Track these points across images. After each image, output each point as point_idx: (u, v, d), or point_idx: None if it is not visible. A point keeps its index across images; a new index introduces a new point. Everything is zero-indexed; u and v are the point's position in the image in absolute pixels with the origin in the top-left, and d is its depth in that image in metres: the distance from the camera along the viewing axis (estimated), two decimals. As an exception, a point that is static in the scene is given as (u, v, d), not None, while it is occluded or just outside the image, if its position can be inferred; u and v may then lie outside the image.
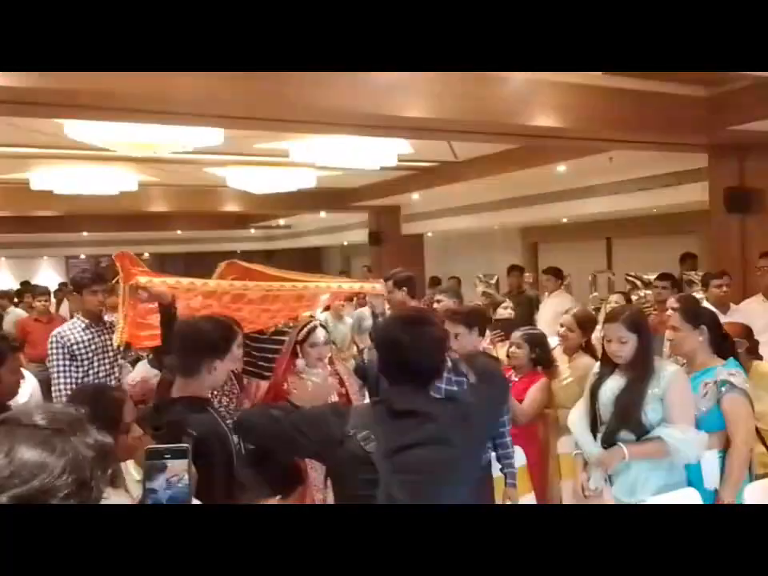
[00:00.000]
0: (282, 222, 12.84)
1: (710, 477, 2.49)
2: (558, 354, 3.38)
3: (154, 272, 2.67)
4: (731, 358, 2.60)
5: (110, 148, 4.41)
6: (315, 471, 2.53)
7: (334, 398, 2.66)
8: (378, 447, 1.55)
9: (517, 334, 3.34)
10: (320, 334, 2.74)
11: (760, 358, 3.17)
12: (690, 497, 2.44)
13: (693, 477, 2.48)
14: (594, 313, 4.48)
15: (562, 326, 3.37)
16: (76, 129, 4.10)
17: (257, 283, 2.63)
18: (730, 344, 2.69)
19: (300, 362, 2.73)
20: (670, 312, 3.71)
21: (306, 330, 2.75)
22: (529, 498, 2.98)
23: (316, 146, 4.93)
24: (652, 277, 5.29)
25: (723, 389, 2.46)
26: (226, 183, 6.87)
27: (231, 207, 9.22)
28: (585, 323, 3.30)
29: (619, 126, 4.34)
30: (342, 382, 2.81)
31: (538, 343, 3.23)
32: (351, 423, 1.62)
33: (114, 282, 2.94)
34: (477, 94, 3.79)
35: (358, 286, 2.82)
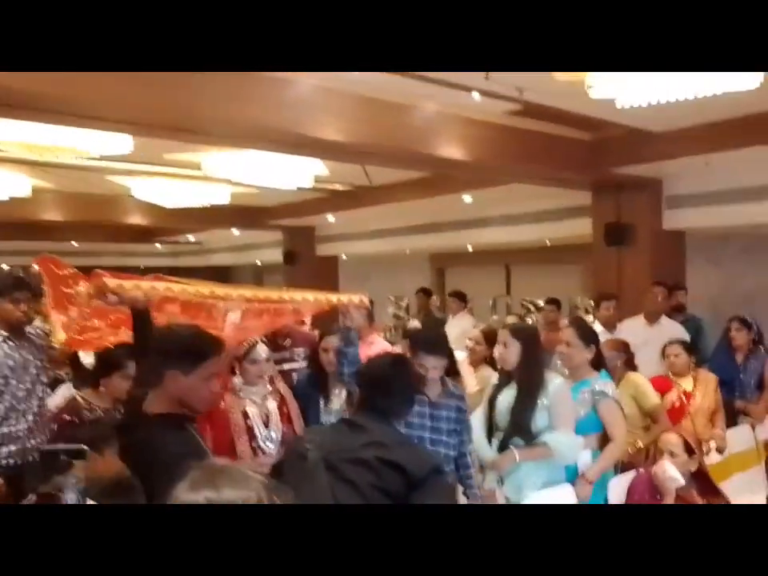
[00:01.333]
0: (190, 237, 12.57)
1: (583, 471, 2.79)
2: (465, 367, 3.74)
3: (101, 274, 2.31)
4: (603, 371, 3.00)
5: (4, 148, 4.14)
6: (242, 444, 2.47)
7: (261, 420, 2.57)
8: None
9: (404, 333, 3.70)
10: (261, 350, 2.59)
11: (635, 369, 3.66)
12: (567, 492, 2.76)
13: (570, 475, 2.80)
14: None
15: (470, 339, 3.77)
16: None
17: (241, 292, 2.47)
18: (603, 360, 3.11)
19: (237, 380, 2.59)
20: (563, 333, 4.21)
21: (246, 345, 2.56)
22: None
23: (231, 160, 4.86)
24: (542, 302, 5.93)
25: (598, 397, 2.83)
26: (131, 193, 6.50)
27: (136, 220, 8.74)
28: (490, 338, 3.69)
29: (516, 161, 4.79)
30: (282, 401, 2.71)
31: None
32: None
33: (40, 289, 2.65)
34: (390, 121, 4.06)
35: (345, 298, 2.69)
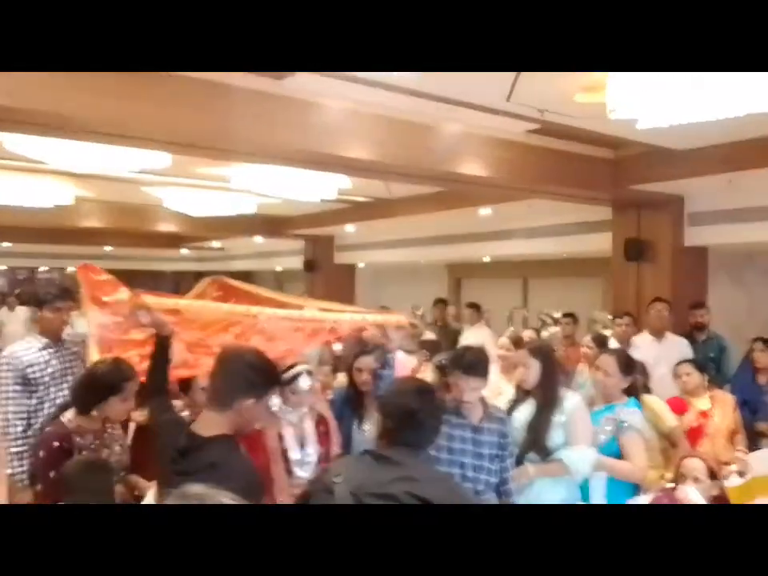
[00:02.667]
0: (215, 244, 12.80)
1: (597, 498, 2.85)
2: (497, 376, 3.78)
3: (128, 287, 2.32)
4: (633, 397, 3.00)
5: (55, 165, 4.39)
6: (277, 468, 2.43)
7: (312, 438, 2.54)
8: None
9: (436, 360, 3.74)
10: (304, 382, 2.51)
11: (649, 391, 3.67)
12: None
13: (583, 497, 2.82)
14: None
15: (500, 348, 3.84)
16: (19, 144, 3.98)
17: (288, 312, 2.36)
18: (637, 387, 3.12)
19: (275, 401, 2.50)
20: (584, 349, 4.24)
21: (290, 374, 2.50)
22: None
23: (257, 174, 5.01)
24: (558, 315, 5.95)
25: (622, 427, 2.83)
26: (163, 203, 6.80)
27: (166, 227, 9.09)
28: (519, 343, 3.75)
29: (536, 179, 4.83)
30: (321, 420, 2.65)
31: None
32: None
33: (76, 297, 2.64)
34: (414, 142, 4.15)
35: (381, 318, 2.59)
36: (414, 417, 1.75)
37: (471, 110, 3.83)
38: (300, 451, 2.50)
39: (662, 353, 4.56)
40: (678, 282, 5.59)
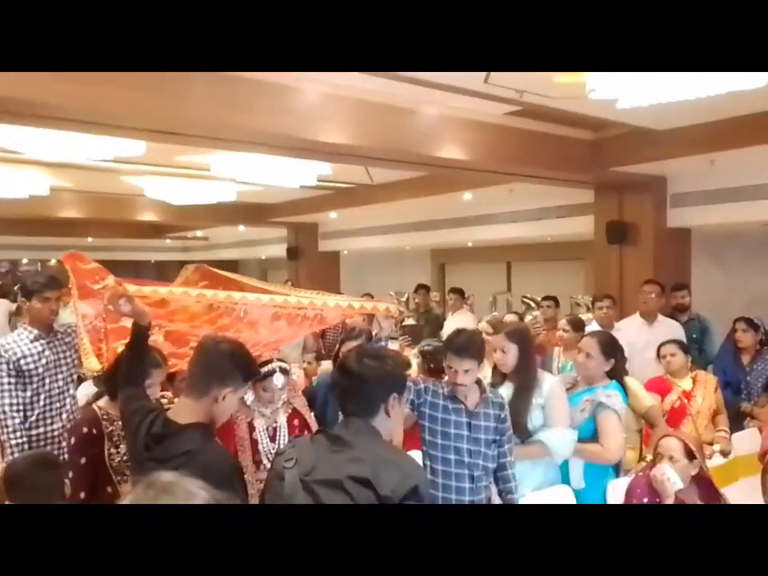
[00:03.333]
0: (198, 233, 12.68)
1: (575, 479, 2.87)
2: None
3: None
4: (615, 380, 2.99)
5: (29, 153, 4.32)
6: (245, 458, 2.41)
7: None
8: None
9: (418, 347, 3.72)
10: (278, 380, 2.46)
11: (626, 373, 3.66)
12: (563, 493, 2.81)
13: (563, 478, 2.84)
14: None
15: (487, 333, 3.83)
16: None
17: (272, 297, 2.26)
18: (621, 369, 3.10)
19: (249, 395, 2.48)
20: (560, 332, 4.22)
21: (264, 371, 2.44)
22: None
23: (237, 161, 4.98)
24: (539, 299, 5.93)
25: (598, 408, 2.83)
26: (144, 193, 6.73)
27: (148, 217, 9.00)
28: (498, 328, 3.73)
29: (516, 162, 4.80)
30: (294, 413, 2.59)
31: (433, 357, 3.44)
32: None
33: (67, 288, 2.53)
34: (392, 125, 4.10)
35: (370, 305, 2.52)
36: (354, 382, 1.67)
37: (449, 92, 3.77)
38: (271, 443, 2.46)
39: (652, 336, 4.54)
40: (661, 263, 5.59)
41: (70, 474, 2.21)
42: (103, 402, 2.41)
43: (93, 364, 2.26)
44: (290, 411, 2.58)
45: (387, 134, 4.13)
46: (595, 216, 6.00)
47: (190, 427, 1.75)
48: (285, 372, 2.50)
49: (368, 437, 1.64)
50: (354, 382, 1.68)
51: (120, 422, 2.36)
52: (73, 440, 2.35)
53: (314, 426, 2.61)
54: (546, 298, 5.36)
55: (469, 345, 2.49)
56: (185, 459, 1.63)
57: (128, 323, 2.09)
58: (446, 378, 2.58)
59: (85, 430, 2.31)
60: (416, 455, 2.53)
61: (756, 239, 6.07)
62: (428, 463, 2.52)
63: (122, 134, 3.93)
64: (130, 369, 1.99)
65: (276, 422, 2.51)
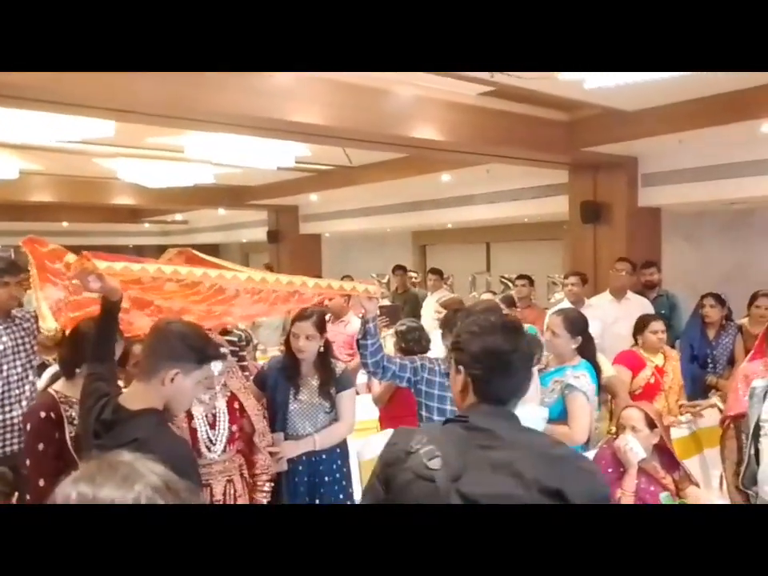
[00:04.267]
0: (178, 217, 12.58)
1: None
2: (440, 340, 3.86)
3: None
4: (585, 360, 2.98)
5: None
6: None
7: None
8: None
9: (395, 326, 3.78)
10: (215, 366, 2.27)
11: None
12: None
13: None
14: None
15: (437, 312, 3.91)
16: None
17: (250, 275, 2.20)
18: (591, 347, 3.07)
19: None
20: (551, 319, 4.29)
21: None
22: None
23: (212, 143, 4.93)
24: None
25: (567, 389, 2.86)
26: (117, 175, 6.63)
27: (123, 200, 8.88)
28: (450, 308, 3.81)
29: (491, 142, 4.84)
30: (233, 396, 2.46)
31: (409, 339, 3.51)
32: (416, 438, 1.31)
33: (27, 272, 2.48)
34: (364, 105, 4.10)
35: (349, 286, 2.48)
36: (507, 362, 1.34)
37: (422, 72, 3.79)
38: (211, 430, 2.36)
39: (620, 312, 4.66)
40: (633, 242, 5.70)
41: (28, 462, 2.13)
42: (60, 385, 2.32)
43: (49, 323, 2.20)
44: (228, 395, 2.45)
45: (361, 115, 4.13)
46: (570, 196, 6.08)
47: (140, 414, 1.66)
48: (223, 357, 2.35)
49: (516, 428, 1.34)
50: (518, 361, 1.36)
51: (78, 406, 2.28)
52: (29, 426, 2.23)
53: (253, 409, 2.51)
54: (519, 277, 5.48)
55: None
56: (133, 448, 1.46)
57: (92, 295, 2.02)
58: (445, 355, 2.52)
59: (42, 414, 2.19)
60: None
61: (725, 218, 6.21)
62: None
63: (92, 114, 3.86)
64: (98, 346, 1.90)
65: (215, 408, 2.39)
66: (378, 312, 4.38)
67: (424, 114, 4.44)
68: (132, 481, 0.87)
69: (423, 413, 2.58)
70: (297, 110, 3.89)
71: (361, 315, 2.52)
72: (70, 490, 0.87)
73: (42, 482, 2.11)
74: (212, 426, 2.38)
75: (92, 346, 1.93)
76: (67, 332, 2.35)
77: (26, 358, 2.93)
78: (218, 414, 2.40)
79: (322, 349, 2.73)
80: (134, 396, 1.73)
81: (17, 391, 2.91)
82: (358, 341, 2.51)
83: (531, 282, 5.45)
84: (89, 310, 2.23)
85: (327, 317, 4.65)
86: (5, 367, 2.85)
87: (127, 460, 0.93)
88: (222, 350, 2.40)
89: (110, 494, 0.85)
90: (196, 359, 1.72)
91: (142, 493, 0.86)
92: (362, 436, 3.33)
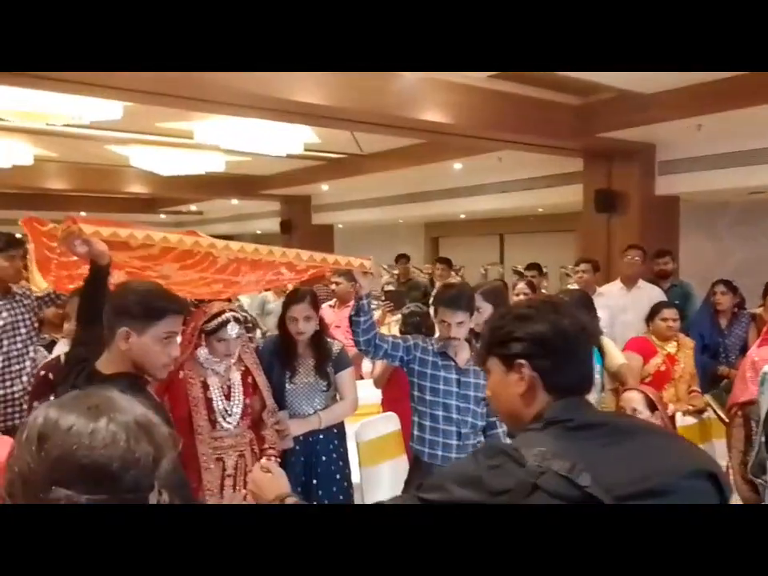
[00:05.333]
0: (192, 207, 12.66)
1: None
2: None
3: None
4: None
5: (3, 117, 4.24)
6: (210, 474, 2.34)
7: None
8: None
9: (403, 311, 3.72)
10: (232, 329, 2.35)
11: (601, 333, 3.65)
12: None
13: None
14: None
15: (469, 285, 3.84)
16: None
17: (242, 246, 2.20)
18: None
19: (202, 352, 2.40)
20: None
21: (216, 322, 2.35)
22: (401, 459, 3.19)
23: (220, 127, 4.94)
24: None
25: None
26: (130, 163, 6.71)
27: (137, 189, 8.97)
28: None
29: (500, 126, 4.74)
30: (247, 371, 2.50)
31: (413, 323, 3.46)
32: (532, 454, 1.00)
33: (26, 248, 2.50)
34: (370, 86, 4.02)
35: (344, 260, 2.43)
36: (582, 355, 1.14)
37: (428, 72, 3.71)
38: (225, 401, 2.40)
39: (630, 301, 4.56)
40: (649, 232, 5.55)
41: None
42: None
43: (39, 281, 2.20)
44: (243, 369, 2.50)
45: (366, 96, 4.07)
46: (584, 185, 5.94)
47: (112, 377, 1.60)
48: (238, 321, 2.40)
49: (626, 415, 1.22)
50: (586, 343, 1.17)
51: None
52: (32, 384, 2.34)
53: (264, 386, 2.53)
54: (529, 267, 5.40)
55: (459, 297, 2.47)
56: None
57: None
58: (437, 333, 2.51)
59: (42, 373, 2.26)
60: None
61: (744, 208, 6.04)
62: (416, 419, 2.53)
63: (98, 94, 3.84)
64: (83, 310, 1.87)
65: (230, 380, 2.44)
66: (383, 295, 4.28)
67: (432, 96, 4.36)
68: (99, 412, 0.82)
69: (415, 392, 2.53)
70: (303, 90, 3.85)
71: (356, 291, 2.45)
72: (39, 413, 0.83)
73: None
74: (227, 397, 2.41)
75: (78, 309, 1.90)
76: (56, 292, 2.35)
77: (26, 333, 2.97)
78: (232, 387, 2.43)
79: (317, 326, 2.70)
80: (107, 360, 1.68)
81: (17, 366, 2.95)
82: (350, 317, 2.46)
83: (541, 271, 5.37)
84: (79, 271, 2.19)
85: (333, 301, 4.68)
86: (5, 342, 2.90)
87: (109, 393, 0.88)
88: (236, 314, 2.41)
89: (73, 420, 0.80)
90: (143, 314, 1.64)
91: (105, 426, 0.81)
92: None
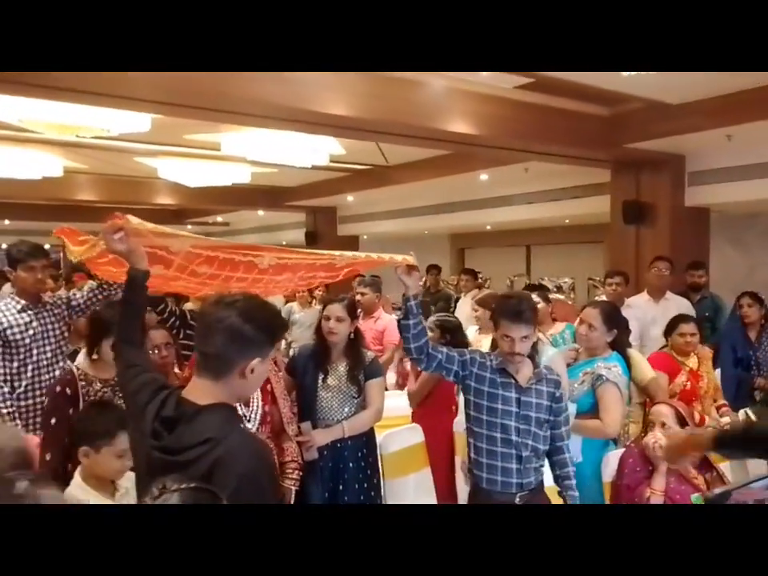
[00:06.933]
0: (219, 218, 12.83)
1: (573, 453, 2.75)
2: (476, 337, 3.74)
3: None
4: (616, 352, 2.93)
5: (28, 127, 4.28)
6: None
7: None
8: None
9: (431, 319, 3.69)
10: None
11: (629, 345, 3.58)
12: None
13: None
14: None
15: (474, 309, 3.81)
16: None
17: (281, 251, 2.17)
18: (624, 340, 3.02)
19: None
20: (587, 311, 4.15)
21: None
22: (425, 473, 3.18)
23: (247, 139, 4.98)
24: (560, 281, 5.87)
25: (598, 381, 2.78)
26: (158, 174, 6.78)
27: (165, 200, 9.11)
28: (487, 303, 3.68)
29: (528, 137, 4.71)
30: (266, 380, 2.40)
31: (449, 328, 3.43)
32: None
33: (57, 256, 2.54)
34: (397, 96, 4.05)
35: (387, 256, 2.34)
36: None
37: (455, 71, 3.70)
38: (244, 408, 2.32)
39: (658, 313, 4.47)
40: (679, 244, 5.45)
41: (42, 434, 2.14)
42: (81, 360, 2.29)
43: (74, 252, 2.11)
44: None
45: (393, 107, 4.08)
46: (612, 195, 5.88)
47: (210, 409, 1.34)
48: None
49: None
50: None
51: (98, 384, 2.26)
52: (47, 400, 2.27)
53: (281, 394, 2.48)
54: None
55: (524, 308, 2.24)
56: (204, 449, 1.26)
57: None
58: (498, 348, 2.34)
59: (58, 389, 2.21)
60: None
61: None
62: (471, 441, 2.36)
63: (133, 107, 3.92)
64: (125, 324, 1.64)
65: None
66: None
67: (459, 106, 4.36)
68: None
69: (471, 412, 2.36)
70: (328, 100, 3.87)
71: (403, 293, 2.33)
72: None
73: (48, 456, 2.11)
74: (246, 403, 2.32)
75: (118, 326, 1.67)
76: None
77: (55, 343, 2.95)
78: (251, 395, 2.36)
79: (352, 335, 2.71)
80: (201, 391, 1.39)
81: (46, 376, 2.93)
82: (399, 321, 2.31)
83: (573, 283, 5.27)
84: (110, 257, 2.04)
85: (358, 312, 4.68)
86: (35, 352, 2.87)
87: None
88: None
89: None
90: (269, 340, 1.40)
91: None
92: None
